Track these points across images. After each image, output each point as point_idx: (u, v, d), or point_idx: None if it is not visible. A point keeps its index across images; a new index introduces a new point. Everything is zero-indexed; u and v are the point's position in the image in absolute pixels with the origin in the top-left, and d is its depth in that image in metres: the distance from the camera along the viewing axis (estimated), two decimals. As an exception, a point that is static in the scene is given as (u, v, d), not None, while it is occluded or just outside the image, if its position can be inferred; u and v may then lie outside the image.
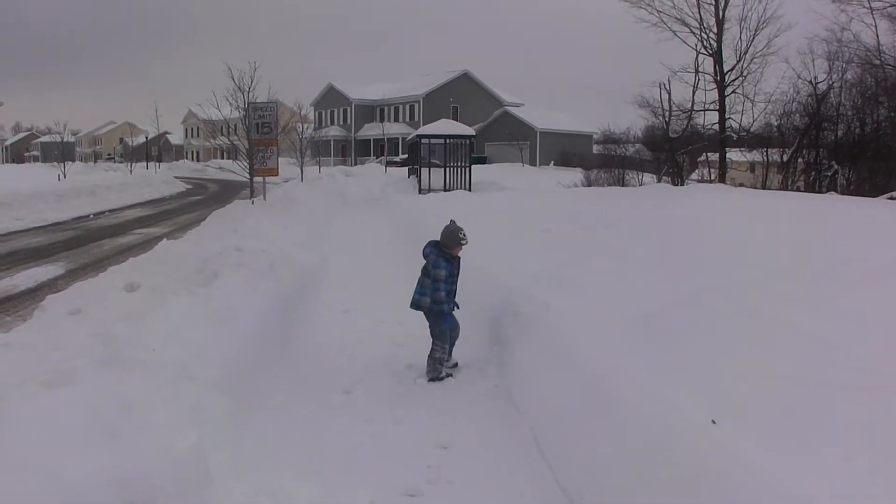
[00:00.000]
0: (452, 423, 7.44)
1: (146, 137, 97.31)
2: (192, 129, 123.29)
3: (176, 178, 58.12)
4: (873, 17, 26.53)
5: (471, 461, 6.62)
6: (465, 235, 9.08)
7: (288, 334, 10.22)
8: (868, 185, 24.31)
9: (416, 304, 9.17)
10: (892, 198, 19.95)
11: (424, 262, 9.18)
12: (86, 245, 20.67)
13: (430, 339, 9.14)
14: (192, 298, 8.92)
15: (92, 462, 4.53)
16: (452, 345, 9.27)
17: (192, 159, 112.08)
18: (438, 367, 9.02)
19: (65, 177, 49.41)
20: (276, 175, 26.91)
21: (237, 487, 5.69)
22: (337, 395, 8.31)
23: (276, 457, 6.57)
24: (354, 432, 7.24)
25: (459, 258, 9.32)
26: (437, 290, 9.01)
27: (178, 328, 7.67)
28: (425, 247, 9.22)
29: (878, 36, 27.06)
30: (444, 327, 9.12)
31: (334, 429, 7.31)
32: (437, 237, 9.13)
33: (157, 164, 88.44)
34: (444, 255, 9.07)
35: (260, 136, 25.19)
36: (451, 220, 9.25)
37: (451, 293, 9.22)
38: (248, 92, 25.79)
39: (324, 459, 6.62)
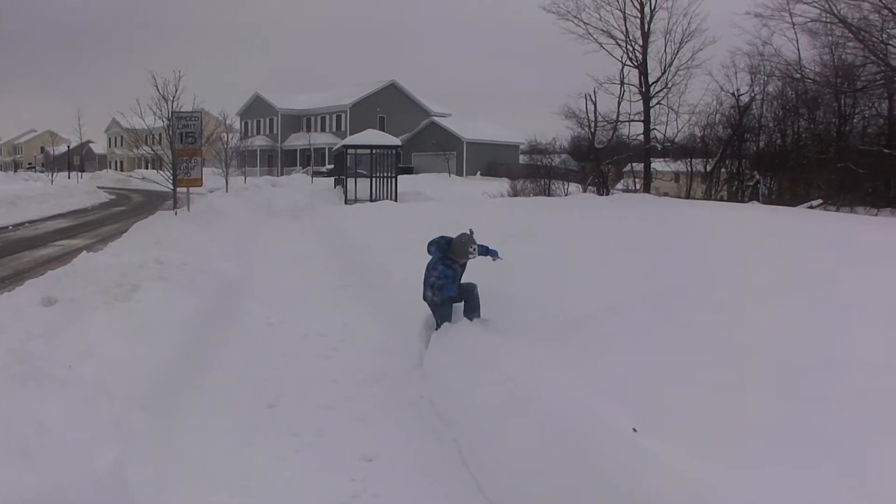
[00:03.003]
0: (377, 435, 7.41)
1: (68, 147, 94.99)
2: (115, 138, 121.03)
3: (99, 188, 57.11)
4: (794, 32, 27.14)
5: (395, 473, 6.60)
6: (474, 251, 9.24)
7: (211, 348, 10.07)
8: (789, 194, 24.93)
9: (424, 297, 9.58)
10: (811, 207, 20.47)
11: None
12: (3, 258, 20.15)
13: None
14: (111, 313, 8.76)
15: (4, 484, 4.41)
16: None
17: (116, 169, 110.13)
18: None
19: (-18, 187, 48.23)
20: (201, 185, 26.57)
21: (159, 505, 5.60)
22: (261, 409, 8.20)
23: (199, 473, 6.47)
24: (279, 446, 7.16)
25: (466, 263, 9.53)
26: (437, 289, 9.29)
27: (97, 343, 7.53)
28: (430, 244, 9.48)
29: (798, 50, 27.71)
30: (440, 320, 9.45)
31: (259, 443, 7.21)
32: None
33: (80, 173, 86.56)
34: (447, 259, 9.28)
35: (184, 147, 24.81)
36: (469, 230, 9.42)
37: (441, 287, 9.31)
38: (173, 101, 25.48)
39: (248, 475, 6.53)
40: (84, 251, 13.33)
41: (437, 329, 9.43)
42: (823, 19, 24.78)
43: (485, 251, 9.60)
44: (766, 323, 6.95)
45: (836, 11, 23.97)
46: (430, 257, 9.43)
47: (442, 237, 9.44)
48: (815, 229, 11.43)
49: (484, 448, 6.46)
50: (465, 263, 9.44)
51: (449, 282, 9.19)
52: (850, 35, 23.91)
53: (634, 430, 5.03)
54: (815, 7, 24.57)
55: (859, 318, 6.67)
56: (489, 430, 6.53)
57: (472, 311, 9.43)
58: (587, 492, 4.80)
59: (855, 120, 26.77)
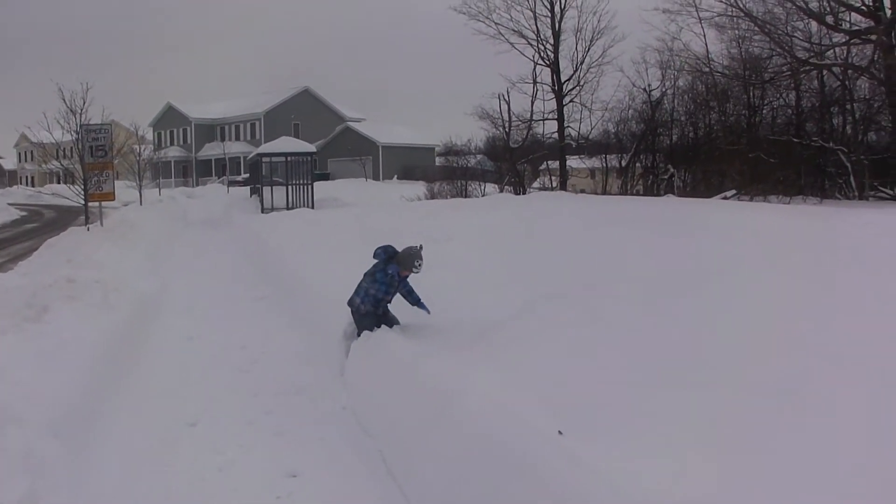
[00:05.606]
0: (301, 450, 7.29)
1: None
2: (25, 153, 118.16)
3: (9, 205, 55.57)
4: (702, 27, 27.84)
5: (321, 488, 6.51)
6: (419, 266, 9.06)
7: (127, 367, 9.84)
8: (703, 186, 25.48)
9: (349, 302, 9.37)
10: (725, 198, 20.88)
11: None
12: None
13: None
14: (19, 336, 8.55)
15: None
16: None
17: (27, 185, 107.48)
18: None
19: None
20: (113, 199, 26.06)
21: (74, 535, 5.44)
22: (182, 427, 8.01)
23: (118, 498, 6.31)
24: (201, 466, 7.01)
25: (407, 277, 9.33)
26: (367, 296, 9.11)
27: (5, 368, 7.34)
28: (377, 249, 9.27)
29: (706, 44, 28.48)
30: (361, 329, 9.23)
31: (180, 463, 7.06)
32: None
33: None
34: (389, 267, 9.08)
35: (94, 160, 24.36)
36: (419, 245, 9.20)
37: (381, 302, 9.20)
38: (81, 114, 24.99)
39: (170, 496, 6.39)
40: (-8, 272, 13.00)
41: (357, 338, 9.33)
42: (729, 13, 25.49)
43: (417, 301, 9.47)
44: (679, 314, 7.00)
45: (741, 6, 24.63)
46: (373, 262, 9.28)
47: (390, 245, 9.31)
48: (727, 220, 11.59)
49: (409, 457, 6.41)
50: (406, 279, 9.31)
51: (381, 290, 9.08)
52: (756, 28, 24.61)
53: (560, 432, 5.02)
54: (720, 2, 25.26)
55: (766, 308, 6.77)
56: (413, 438, 6.48)
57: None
58: (515, 497, 4.77)
59: (764, 111, 27.60)
